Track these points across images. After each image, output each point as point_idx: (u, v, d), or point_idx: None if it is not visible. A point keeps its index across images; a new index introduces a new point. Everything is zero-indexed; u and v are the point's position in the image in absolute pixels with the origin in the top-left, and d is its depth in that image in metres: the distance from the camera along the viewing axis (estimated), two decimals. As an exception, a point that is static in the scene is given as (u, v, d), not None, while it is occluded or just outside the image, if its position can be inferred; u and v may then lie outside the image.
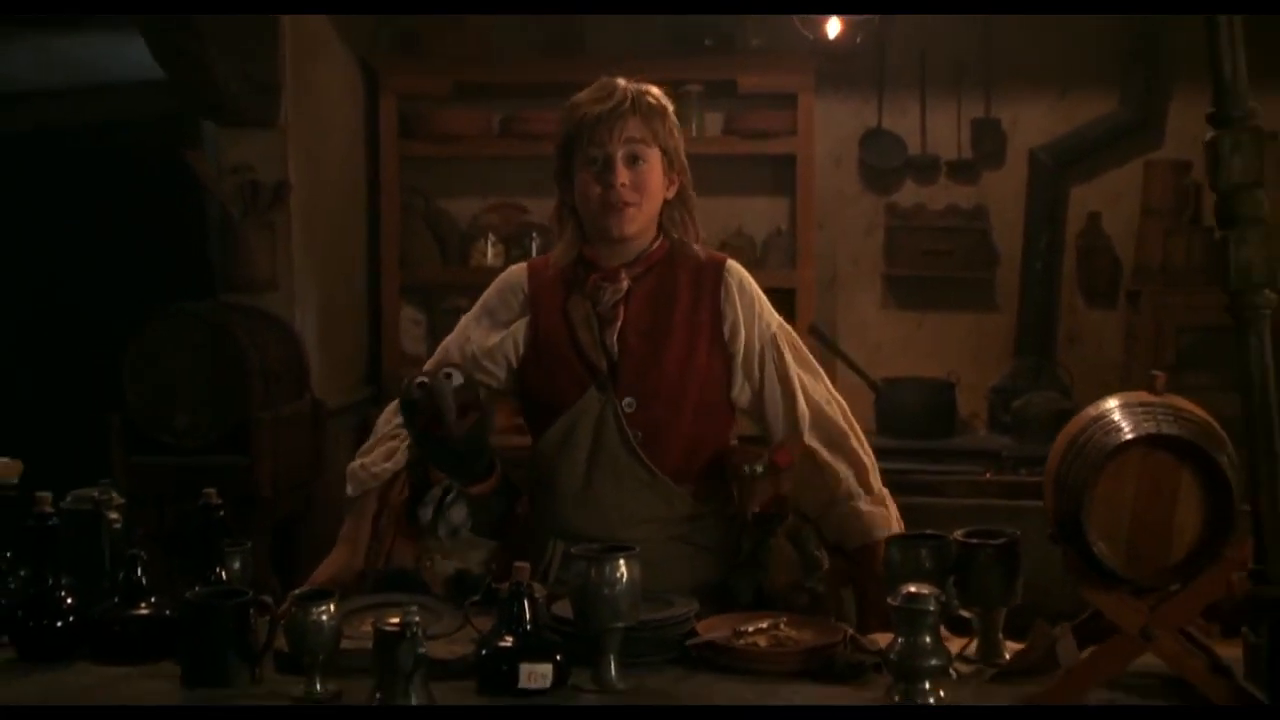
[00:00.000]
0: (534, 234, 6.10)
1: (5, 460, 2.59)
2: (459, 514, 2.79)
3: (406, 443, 2.87)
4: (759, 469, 2.73)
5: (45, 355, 6.54)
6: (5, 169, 6.80)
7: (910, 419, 5.98)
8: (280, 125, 5.40)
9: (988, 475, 5.55)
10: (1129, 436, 2.10)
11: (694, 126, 6.15)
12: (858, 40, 4.88)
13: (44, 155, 6.71)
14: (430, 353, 5.93)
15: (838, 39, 4.80)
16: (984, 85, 6.16)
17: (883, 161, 6.31)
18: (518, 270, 2.98)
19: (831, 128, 6.25)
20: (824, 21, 4.80)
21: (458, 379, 2.70)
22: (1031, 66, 6.12)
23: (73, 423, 5.41)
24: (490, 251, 6.28)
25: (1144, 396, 2.20)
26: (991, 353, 6.23)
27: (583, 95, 2.82)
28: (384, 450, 2.91)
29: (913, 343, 6.37)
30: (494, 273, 5.71)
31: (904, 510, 2.90)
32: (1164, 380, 2.22)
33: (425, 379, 2.71)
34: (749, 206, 6.33)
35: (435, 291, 6.44)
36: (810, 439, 2.83)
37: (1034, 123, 6.17)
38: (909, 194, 6.34)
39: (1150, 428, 2.10)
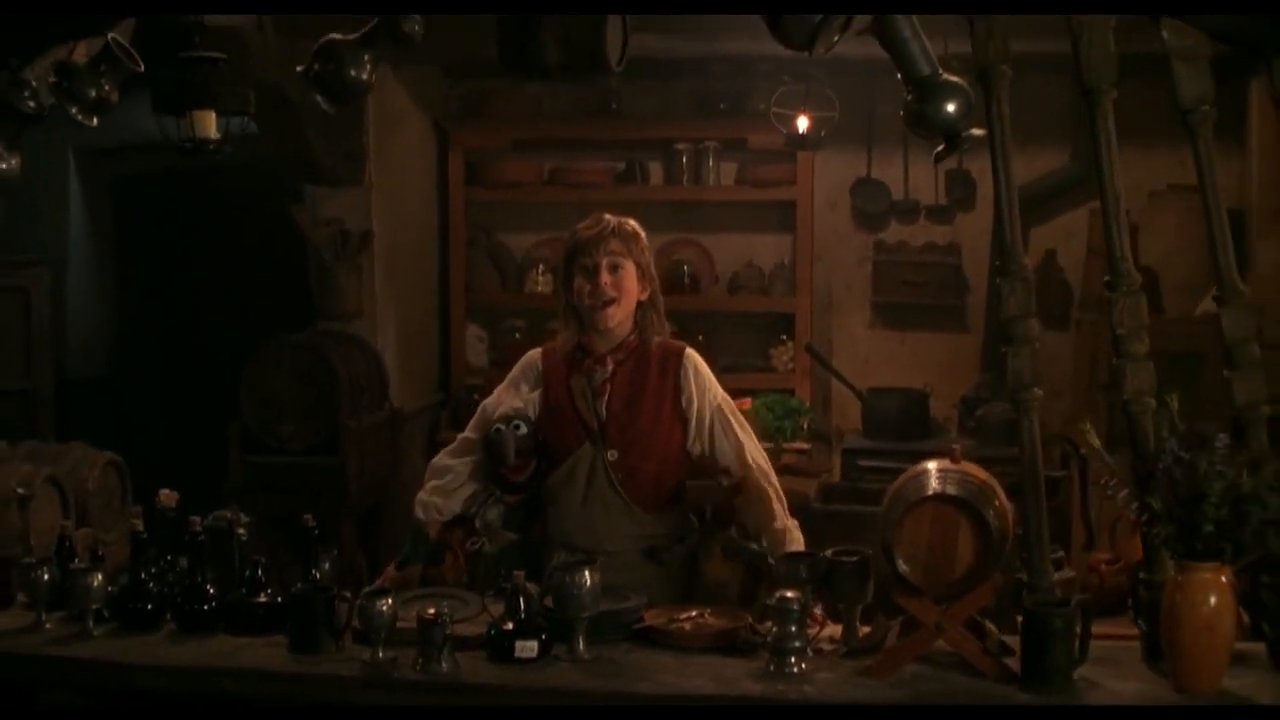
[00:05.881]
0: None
1: (167, 491, 3.42)
2: (493, 513, 3.68)
3: (471, 491, 3.70)
4: (727, 482, 3.57)
5: (180, 375, 7.37)
6: (137, 208, 7.64)
7: (891, 423, 6.75)
8: (366, 184, 6.31)
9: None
10: (926, 494, 2.92)
11: (711, 177, 6.99)
12: (822, 134, 5.65)
13: (167, 197, 7.45)
14: (491, 364, 6.90)
15: (807, 132, 5.59)
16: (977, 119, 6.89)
17: (871, 205, 7.09)
18: (534, 354, 3.75)
19: (827, 177, 7.04)
20: (794, 119, 5.59)
21: (524, 429, 3.58)
22: (997, 125, 6.84)
23: (200, 429, 6.30)
24: (541, 279, 7.11)
25: (947, 464, 3.01)
26: (962, 368, 6.98)
27: (579, 224, 3.65)
28: (454, 497, 3.71)
29: (895, 358, 7.15)
30: (545, 297, 6.69)
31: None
32: (960, 451, 3.03)
33: (501, 427, 3.59)
34: (757, 243, 7.15)
35: (495, 313, 7.30)
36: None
37: (999, 173, 6.89)
38: (893, 233, 7.12)
39: (939, 488, 2.92)
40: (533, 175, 7.15)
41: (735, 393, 6.07)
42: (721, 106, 6.96)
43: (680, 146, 6.99)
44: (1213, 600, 2.75)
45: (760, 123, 6.79)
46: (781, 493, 3.66)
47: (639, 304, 3.64)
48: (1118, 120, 4.02)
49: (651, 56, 6.26)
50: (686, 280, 6.98)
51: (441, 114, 7.12)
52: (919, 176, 6.99)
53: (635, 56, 3.42)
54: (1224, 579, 2.77)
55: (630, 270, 3.59)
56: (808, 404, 6.81)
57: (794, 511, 3.73)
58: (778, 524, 3.58)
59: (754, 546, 3.46)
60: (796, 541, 3.55)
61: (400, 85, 6.59)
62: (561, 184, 7.07)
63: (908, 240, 7.07)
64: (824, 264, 7.12)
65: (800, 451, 6.65)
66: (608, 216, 3.63)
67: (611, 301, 3.57)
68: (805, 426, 6.65)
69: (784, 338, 6.97)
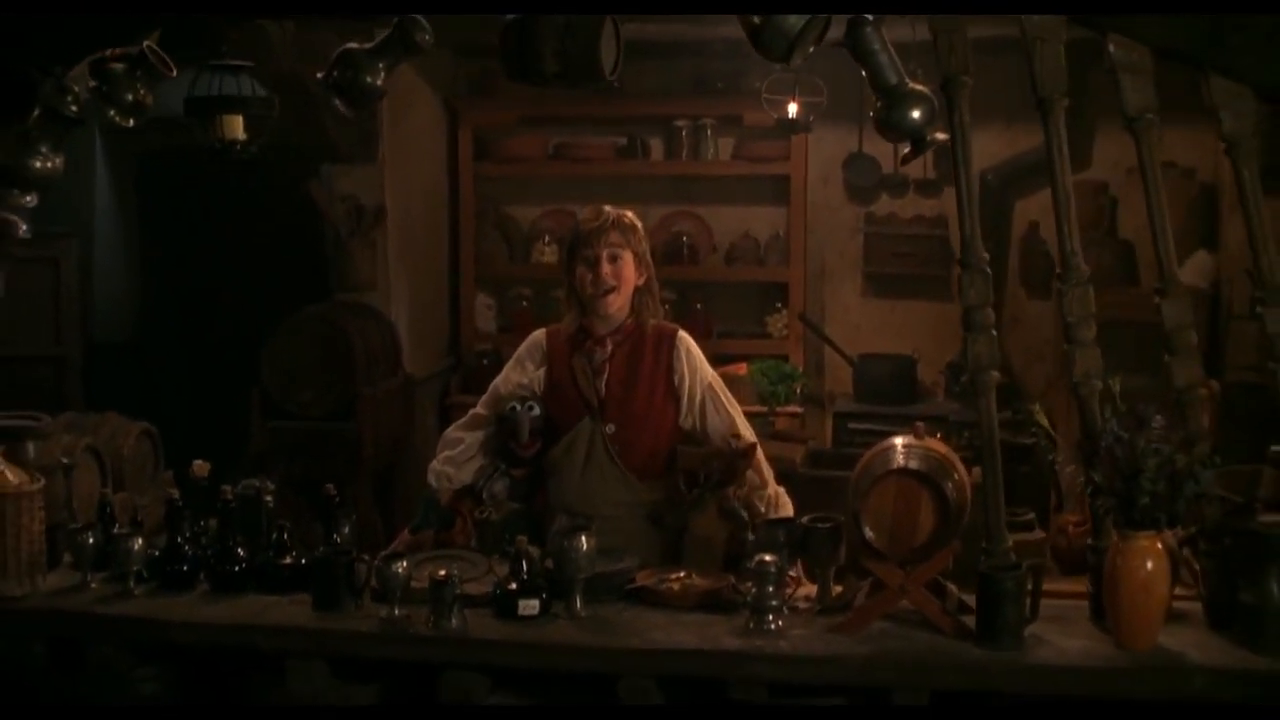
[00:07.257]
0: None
1: (200, 462, 3.65)
2: (499, 485, 3.93)
3: (480, 463, 3.94)
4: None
5: (202, 343, 7.59)
6: (160, 182, 7.84)
7: (881, 388, 6.99)
8: (379, 161, 6.52)
9: (938, 435, 6.54)
10: (891, 468, 3.16)
11: (709, 152, 7.20)
12: (810, 118, 5.87)
13: (189, 173, 7.61)
14: (499, 330, 7.10)
15: (796, 116, 5.81)
16: (944, 117, 7.07)
17: (862, 179, 7.29)
18: (540, 334, 3.99)
19: (820, 152, 7.24)
20: (785, 104, 5.81)
21: (536, 410, 3.83)
22: (982, 102, 6.94)
23: (223, 395, 6.54)
24: (546, 250, 7.33)
25: (911, 439, 3.25)
26: (948, 335, 6.96)
27: (581, 216, 3.89)
28: (464, 468, 3.94)
29: (885, 326, 7.37)
30: (550, 267, 6.91)
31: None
32: (923, 429, 3.27)
33: (516, 405, 3.83)
34: (753, 215, 7.36)
35: (503, 281, 7.54)
36: None
37: (984, 148, 7.00)
38: (883, 206, 7.33)
39: (903, 463, 3.16)
40: (539, 151, 7.36)
41: (731, 359, 6.38)
42: (719, 86, 7.16)
43: (679, 123, 7.20)
44: (1149, 565, 2.99)
45: (756, 101, 6.93)
46: (766, 461, 3.91)
47: (636, 290, 3.86)
48: (1100, 99, 4.22)
49: (652, 39, 6.47)
50: (685, 251, 7.20)
51: (451, 93, 7.33)
52: (908, 152, 7.16)
53: (637, 39, 3.60)
54: (1160, 546, 3.02)
55: (628, 260, 3.82)
56: (801, 370, 7.04)
57: (781, 477, 3.98)
58: (769, 490, 3.83)
59: (744, 513, 3.69)
60: (785, 507, 3.80)
61: (412, 66, 6.75)
62: (566, 159, 7.28)
63: (897, 213, 7.27)
64: (817, 236, 7.33)
65: (793, 415, 6.89)
66: (607, 209, 3.85)
67: (611, 290, 3.80)
68: (798, 391, 6.88)
69: (779, 306, 7.19)
